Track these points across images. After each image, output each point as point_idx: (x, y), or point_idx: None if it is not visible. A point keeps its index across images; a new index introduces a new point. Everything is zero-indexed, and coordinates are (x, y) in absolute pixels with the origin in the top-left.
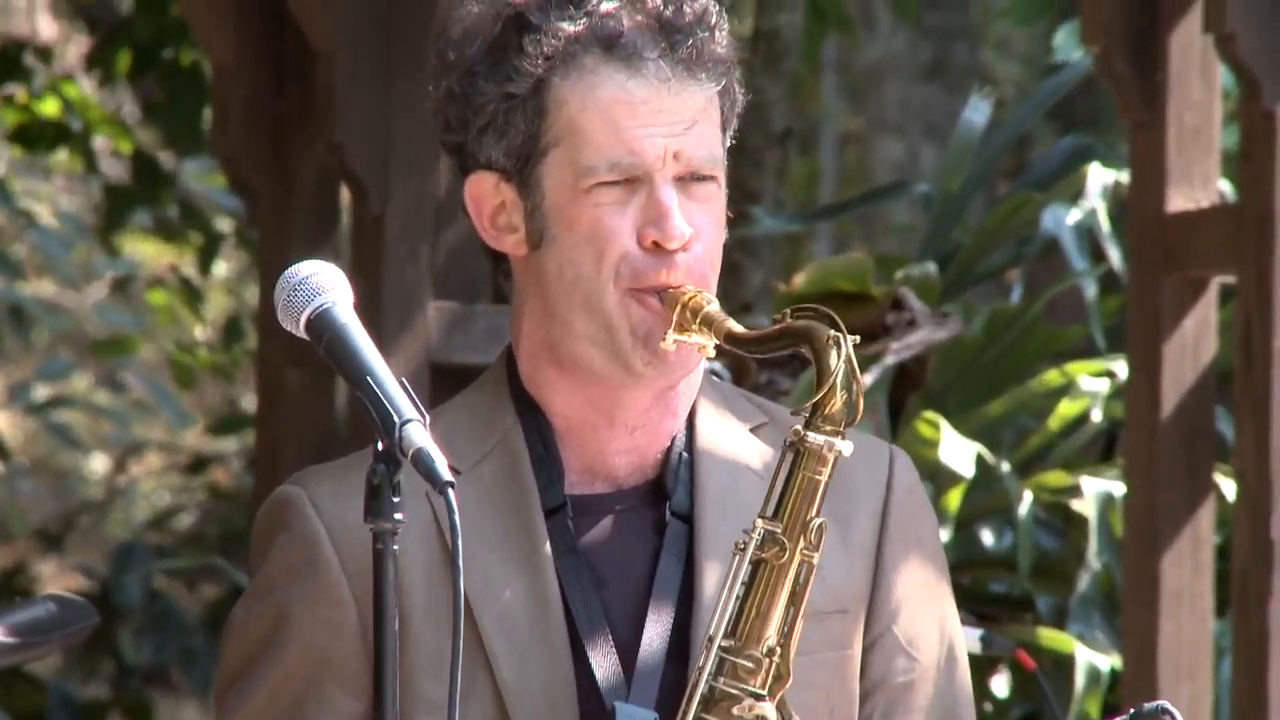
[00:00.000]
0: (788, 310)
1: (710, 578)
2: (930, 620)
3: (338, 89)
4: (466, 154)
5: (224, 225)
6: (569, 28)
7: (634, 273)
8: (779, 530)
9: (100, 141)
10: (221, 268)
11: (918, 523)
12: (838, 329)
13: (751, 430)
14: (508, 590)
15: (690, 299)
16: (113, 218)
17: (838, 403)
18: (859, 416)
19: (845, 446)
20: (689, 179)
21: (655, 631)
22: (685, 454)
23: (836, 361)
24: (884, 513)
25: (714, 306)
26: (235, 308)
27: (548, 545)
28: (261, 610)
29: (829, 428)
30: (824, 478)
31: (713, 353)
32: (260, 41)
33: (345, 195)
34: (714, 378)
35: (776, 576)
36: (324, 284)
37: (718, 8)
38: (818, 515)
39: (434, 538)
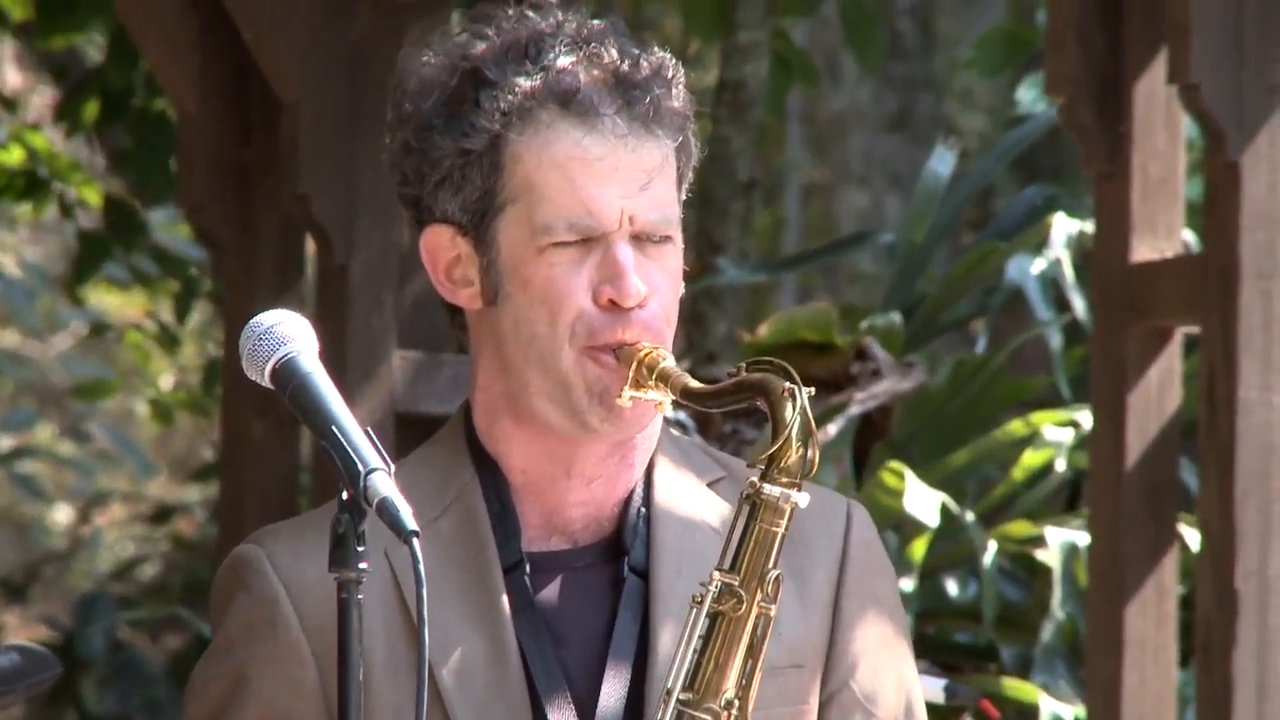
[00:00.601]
0: (743, 363)
1: (666, 635)
2: (888, 676)
3: (303, 140)
4: (423, 207)
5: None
6: (525, 83)
7: (590, 331)
8: (736, 582)
9: (68, 191)
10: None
11: (875, 577)
12: (793, 381)
13: (709, 485)
14: (466, 646)
15: (646, 355)
16: (85, 265)
17: (793, 455)
18: (815, 468)
19: (801, 498)
20: (645, 239)
21: (612, 688)
22: (643, 509)
23: (792, 414)
24: (841, 567)
25: (670, 362)
26: (208, 354)
27: (505, 602)
28: (221, 671)
29: (785, 480)
30: (781, 529)
31: (669, 410)
32: (226, 92)
33: (310, 245)
34: (672, 431)
35: (734, 629)
36: (289, 333)
37: (675, 62)
38: (774, 567)
39: (393, 594)
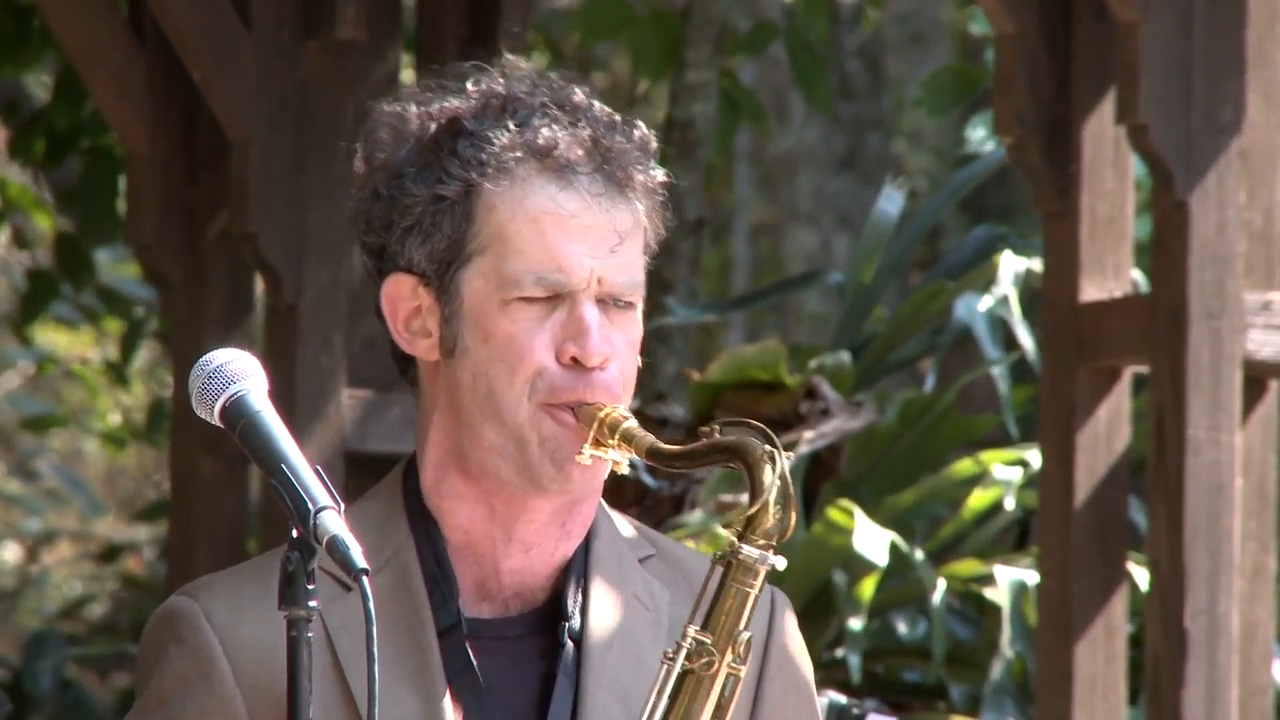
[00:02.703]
0: (715, 426)
1: (596, 705)
2: None
3: (251, 178)
4: (387, 255)
5: (140, 314)
6: (504, 137)
7: (550, 388)
8: (709, 641)
9: (25, 223)
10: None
11: (795, 666)
12: (772, 444)
13: (640, 561)
14: (399, 709)
15: (608, 415)
16: (35, 302)
17: (771, 518)
18: (792, 530)
19: (779, 561)
20: (609, 302)
21: None
22: (581, 578)
23: (772, 477)
24: (765, 652)
25: (632, 423)
26: (153, 395)
27: (440, 664)
28: None
29: (763, 541)
30: (755, 591)
31: (626, 469)
32: (174, 131)
33: (259, 284)
34: (604, 506)
35: (703, 688)
36: (238, 371)
37: (653, 135)
38: (746, 629)
39: (324, 653)
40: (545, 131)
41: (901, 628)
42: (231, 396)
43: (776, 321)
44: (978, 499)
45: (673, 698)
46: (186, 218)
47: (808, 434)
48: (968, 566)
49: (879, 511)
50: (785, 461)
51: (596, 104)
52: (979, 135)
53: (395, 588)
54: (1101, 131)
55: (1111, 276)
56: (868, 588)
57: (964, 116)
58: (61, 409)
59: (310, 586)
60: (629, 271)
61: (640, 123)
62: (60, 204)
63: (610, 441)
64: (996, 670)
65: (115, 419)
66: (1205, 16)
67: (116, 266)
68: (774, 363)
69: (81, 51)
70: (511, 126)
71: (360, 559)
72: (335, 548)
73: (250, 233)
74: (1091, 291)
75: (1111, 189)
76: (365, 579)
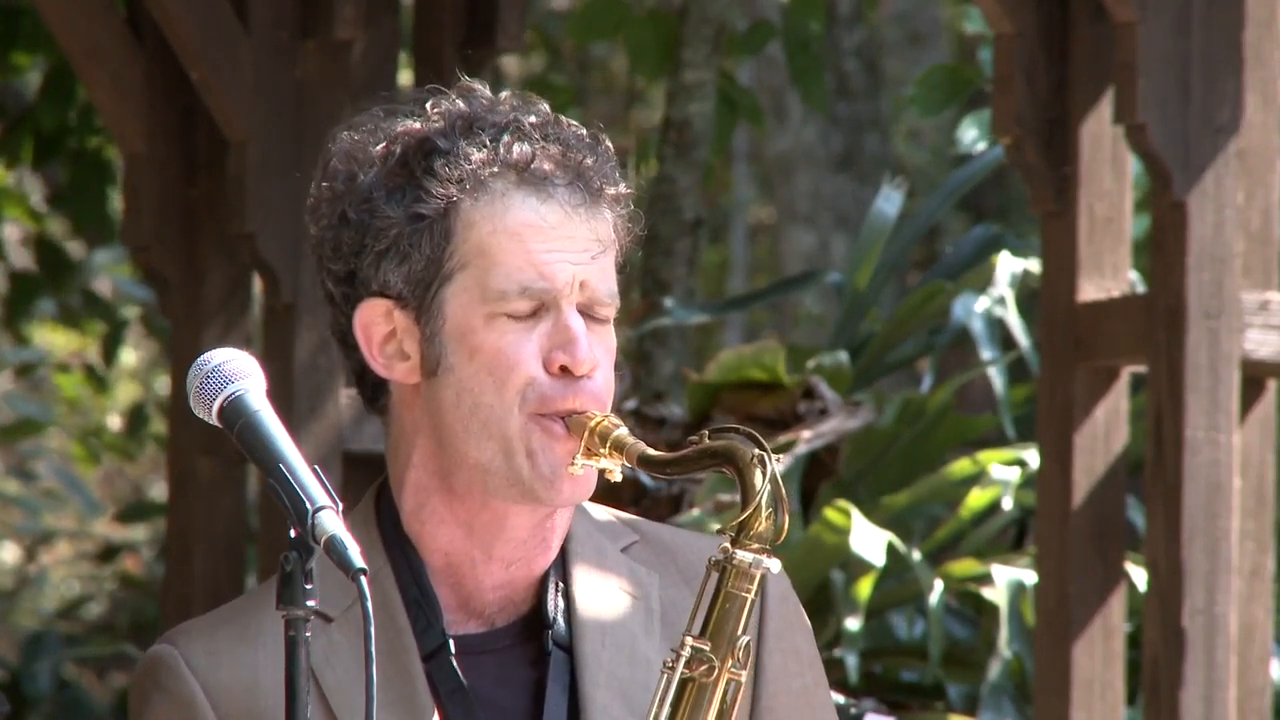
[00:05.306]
0: (706, 431)
1: (596, 706)
2: None
3: (249, 179)
4: (358, 281)
5: (131, 313)
6: (478, 154)
7: (541, 398)
8: (707, 648)
9: (3, 230)
10: (131, 356)
11: (793, 630)
12: (761, 448)
13: (623, 550)
14: None
15: (598, 424)
16: (17, 305)
17: (764, 521)
18: (785, 533)
19: (773, 564)
20: (589, 314)
21: None
22: (561, 583)
23: (762, 481)
24: (761, 622)
25: (623, 431)
26: (143, 395)
27: (426, 688)
28: None
29: (756, 546)
30: (750, 595)
31: (619, 477)
32: (172, 131)
33: (257, 284)
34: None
35: (704, 694)
36: (237, 371)
37: (611, 147)
38: (744, 633)
39: (311, 682)
40: (519, 146)
41: (899, 628)
42: (229, 396)
43: (774, 321)
44: (975, 499)
45: (674, 705)
46: (184, 218)
47: (805, 434)
48: (965, 566)
49: (876, 511)
50: (776, 465)
51: (562, 119)
52: (970, 136)
53: (375, 614)
54: (1099, 131)
55: (1109, 276)
56: (865, 588)
57: (961, 116)
58: (58, 408)
59: (309, 586)
60: (608, 280)
61: (603, 135)
62: (51, 205)
63: (601, 450)
64: (994, 670)
65: (114, 419)
66: (1203, 16)
67: (115, 267)
68: (772, 363)
69: (79, 51)
70: (485, 143)
71: (358, 558)
72: (333, 547)
73: (248, 233)
74: (1089, 291)
75: (1109, 189)
76: (363, 579)
